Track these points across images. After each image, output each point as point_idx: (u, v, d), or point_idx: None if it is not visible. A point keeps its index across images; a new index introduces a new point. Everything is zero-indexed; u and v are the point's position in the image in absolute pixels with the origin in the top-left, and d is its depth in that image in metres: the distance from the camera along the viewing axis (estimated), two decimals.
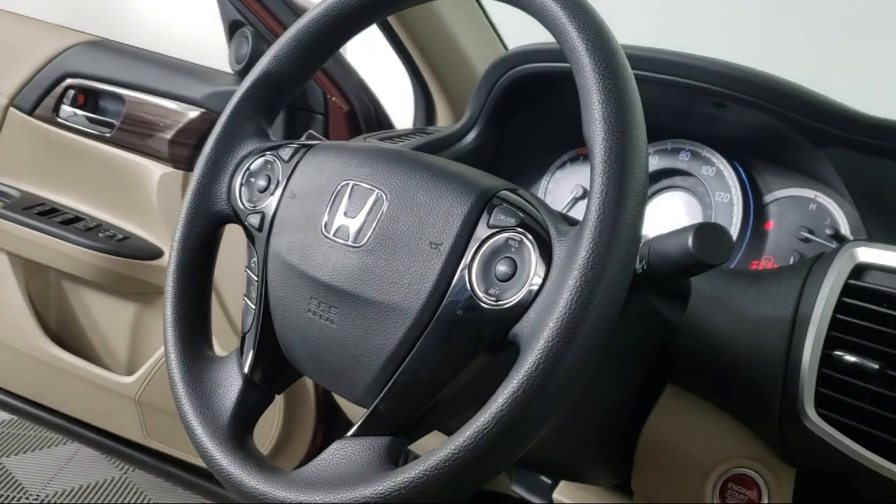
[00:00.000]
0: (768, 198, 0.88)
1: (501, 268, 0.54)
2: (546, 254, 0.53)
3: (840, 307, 0.62)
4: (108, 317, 1.54)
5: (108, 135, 1.42)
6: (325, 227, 0.62)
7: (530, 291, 0.52)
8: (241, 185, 0.70)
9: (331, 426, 1.47)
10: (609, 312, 0.49)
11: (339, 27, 0.70)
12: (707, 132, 0.90)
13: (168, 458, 1.62)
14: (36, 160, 1.52)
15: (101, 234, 1.46)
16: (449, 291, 0.55)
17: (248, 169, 0.70)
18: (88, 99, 1.46)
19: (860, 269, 0.64)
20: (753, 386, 0.64)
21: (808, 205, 0.85)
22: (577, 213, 1.01)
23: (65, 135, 1.46)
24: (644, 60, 0.79)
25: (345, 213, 0.61)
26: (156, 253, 1.43)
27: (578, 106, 0.99)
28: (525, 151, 1.04)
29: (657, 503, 0.71)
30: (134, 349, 1.52)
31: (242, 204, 0.70)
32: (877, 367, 0.58)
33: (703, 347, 0.69)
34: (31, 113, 1.47)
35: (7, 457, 2.03)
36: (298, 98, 1.32)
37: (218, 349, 0.70)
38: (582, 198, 1.01)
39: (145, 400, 1.48)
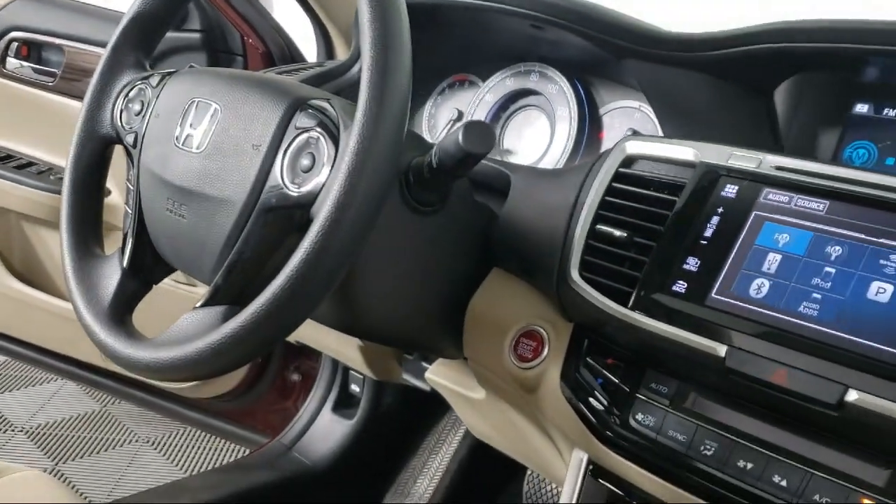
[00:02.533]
0: (603, 110, 1.00)
1: (304, 161, 0.66)
2: (336, 146, 0.65)
3: (609, 191, 0.75)
4: None
5: (51, 84, 1.54)
6: (177, 138, 0.75)
7: (323, 177, 0.64)
8: (122, 110, 0.83)
9: (267, 357, 1.61)
10: (376, 189, 0.61)
11: None
12: (553, 54, 1.02)
13: (143, 386, 1.77)
14: None
15: (52, 177, 1.59)
16: (266, 185, 0.68)
17: (127, 96, 0.83)
18: (32, 51, 1.58)
19: (631, 160, 0.76)
20: (543, 258, 0.77)
21: (634, 114, 0.97)
22: None
23: (13, 85, 1.57)
24: None
25: (191, 125, 0.74)
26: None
27: (455, 36, 1.10)
28: None
29: (481, 363, 0.85)
30: None
31: (122, 126, 0.82)
32: (625, 235, 0.71)
33: (514, 232, 0.81)
34: None
35: None
36: (219, 41, 1.43)
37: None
38: (457, 119, 1.12)
39: None
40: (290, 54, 1.41)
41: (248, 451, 1.79)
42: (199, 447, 1.97)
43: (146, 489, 1.41)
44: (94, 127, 0.84)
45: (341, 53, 1.27)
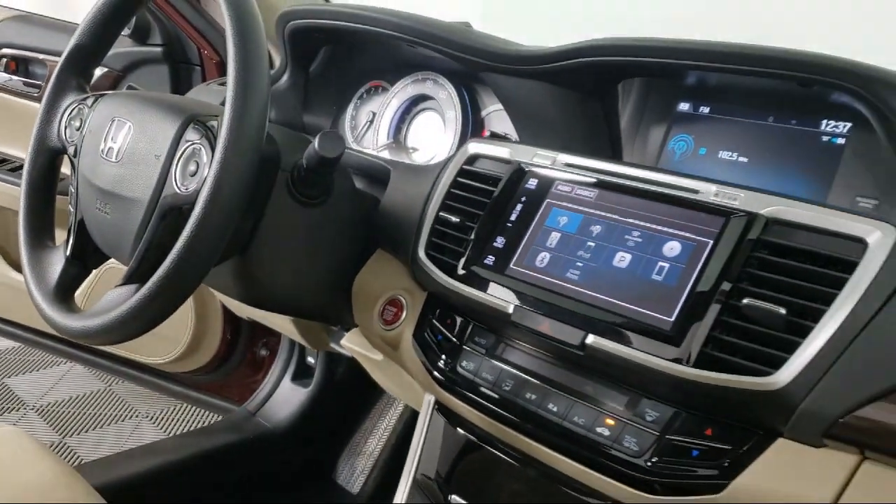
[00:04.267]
0: (484, 113, 1.16)
1: (191, 167, 0.84)
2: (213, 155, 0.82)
3: (454, 184, 0.92)
4: None
5: (36, 94, 1.73)
6: (102, 150, 0.93)
7: (202, 179, 0.82)
8: (66, 127, 1.01)
9: (235, 335, 1.80)
10: (237, 188, 0.78)
11: (124, 6, 0.99)
12: (443, 65, 1.18)
13: (139, 366, 1.96)
14: None
15: None
16: (164, 187, 0.85)
17: (70, 115, 1.01)
18: (19, 65, 1.77)
19: (473, 158, 0.93)
20: (405, 239, 0.94)
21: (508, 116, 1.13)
22: (369, 136, 1.30)
23: (3, 97, 1.77)
24: (343, 15, 1.08)
25: (112, 139, 0.92)
26: None
27: (368, 50, 1.27)
28: (330, 87, 1.32)
29: (364, 328, 1.02)
30: None
31: (67, 140, 1.00)
32: (458, 220, 0.88)
33: (388, 218, 0.99)
34: None
35: (9, 377, 2.37)
36: (179, 53, 1.61)
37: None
38: (371, 121, 1.29)
39: None
40: None
41: None
42: (189, 420, 2.16)
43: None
44: (44, 141, 1.02)
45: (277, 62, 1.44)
